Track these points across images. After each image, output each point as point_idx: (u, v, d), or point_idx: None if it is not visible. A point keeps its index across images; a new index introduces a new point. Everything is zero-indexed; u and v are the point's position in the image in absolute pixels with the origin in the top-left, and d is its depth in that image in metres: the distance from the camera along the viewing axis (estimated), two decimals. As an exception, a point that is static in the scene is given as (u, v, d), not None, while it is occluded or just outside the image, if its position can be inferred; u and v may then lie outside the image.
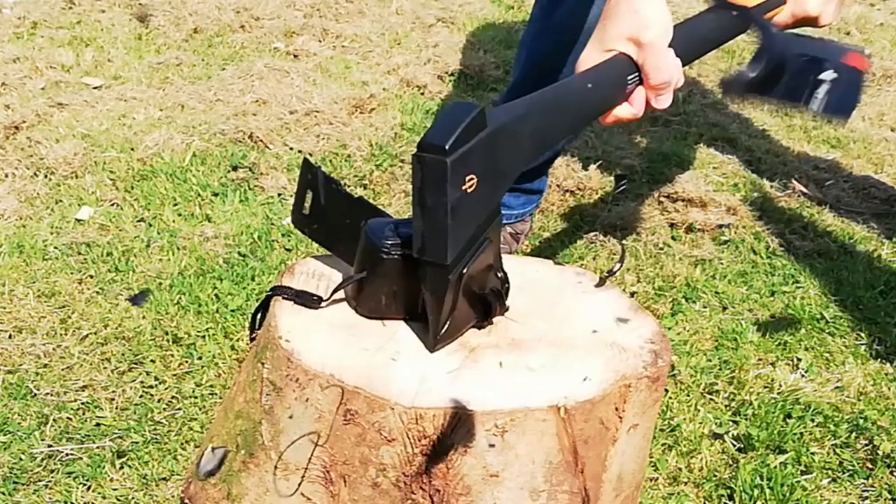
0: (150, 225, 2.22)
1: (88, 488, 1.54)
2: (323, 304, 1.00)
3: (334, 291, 1.00)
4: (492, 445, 0.86)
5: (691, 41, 1.18)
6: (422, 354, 0.94)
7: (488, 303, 0.99)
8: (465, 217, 0.91)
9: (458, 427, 0.85)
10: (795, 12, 1.31)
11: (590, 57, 1.10)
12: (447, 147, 0.86)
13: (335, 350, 0.92)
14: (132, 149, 2.51)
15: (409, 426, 0.86)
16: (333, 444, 0.89)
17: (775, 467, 1.61)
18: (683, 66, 1.12)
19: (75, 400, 1.71)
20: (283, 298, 1.00)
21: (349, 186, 2.42)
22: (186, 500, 1.03)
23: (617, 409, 0.92)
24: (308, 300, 1.00)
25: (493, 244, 0.97)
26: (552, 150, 2.03)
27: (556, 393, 0.88)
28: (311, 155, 2.54)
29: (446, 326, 0.94)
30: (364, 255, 0.98)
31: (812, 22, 1.34)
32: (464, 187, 0.89)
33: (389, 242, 0.95)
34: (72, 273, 2.03)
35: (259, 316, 1.05)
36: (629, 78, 1.09)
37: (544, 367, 0.93)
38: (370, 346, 0.94)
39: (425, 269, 0.92)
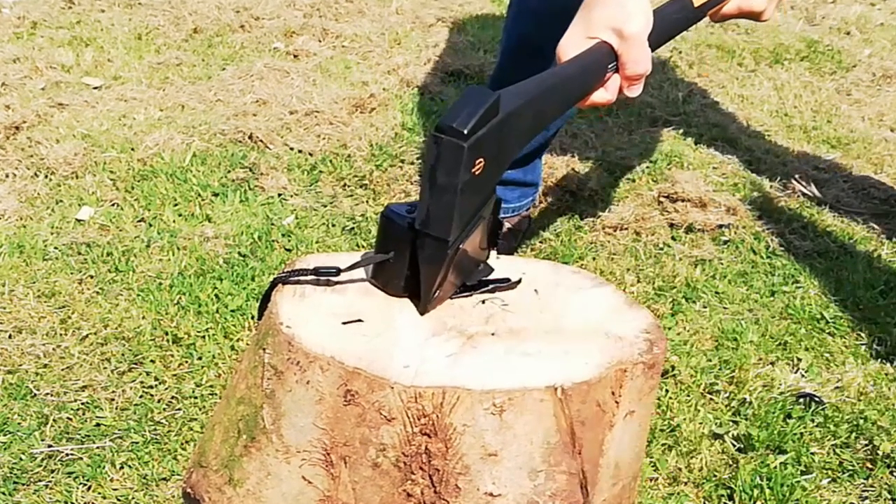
0: (151, 225, 2.23)
1: (88, 488, 1.54)
2: (341, 274, 1.02)
3: (352, 266, 1.02)
4: (492, 414, 0.87)
5: (661, 32, 1.23)
6: (420, 341, 0.96)
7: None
8: (470, 197, 0.96)
9: (457, 406, 0.87)
10: (742, 5, 1.37)
11: (572, 41, 1.14)
12: (466, 131, 0.91)
13: (335, 335, 0.94)
14: (132, 149, 2.51)
15: (409, 405, 0.88)
16: (334, 426, 0.90)
17: (775, 467, 1.61)
18: (652, 52, 1.17)
19: (75, 400, 1.71)
20: (296, 280, 1.02)
21: (349, 187, 2.43)
22: (188, 490, 1.04)
23: (613, 392, 0.94)
24: (326, 273, 1.02)
25: (484, 220, 1.03)
26: (542, 137, 2.05)
27: (553, 374, 0.91)
28: (311, 155, 2.54)
29: (436, 293, 0.99)
30: (387, 236, 1.01)
31: (756, 16, 1.40)
32: (473, 170, 0.94)
33: (413, 216, 0.99)
34: (72, 273, 2.04)
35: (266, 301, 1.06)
36: (609, 66, 1.14)
37: (541, 352, 0.95)
38: (369, 333, 0.96)
39: (424, 240, 0.97)
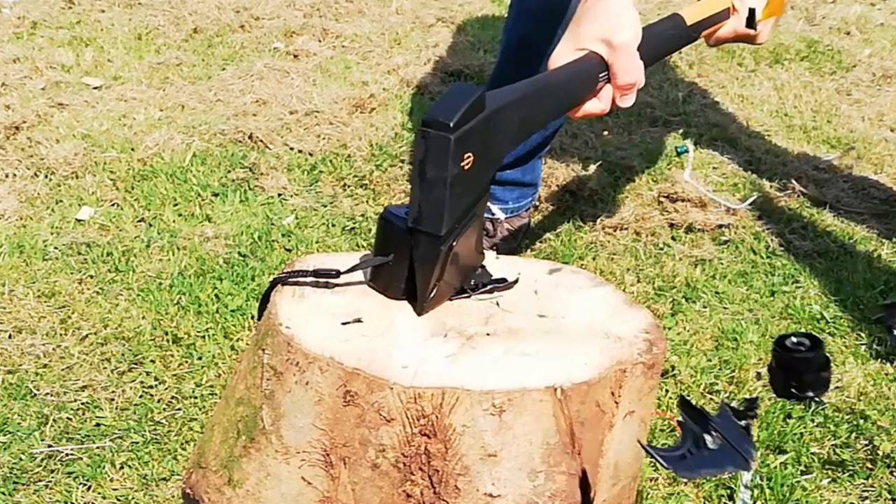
0: (151, 225, 2.23)
1: (88, 488, 1.54)
2: (342, 275, 1.02)
3: (352, 269, 1.02)
4: (492, 415, 0.87)
5: (653, 47, 1.25)
6: (420, 341, 0.96)
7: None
8: (460, 192, 0.97)
9: (456, 406, 0.87)
10: (737, 29, 1.39)
11: (563, 53, 1.16)
12: (452, 124, 0.92)
13: (334, 336, 0.94)
14: (132, 149, 2.51)
15: (408, 406, 0.88)
16: (333, 427, 0.90)
17: (775, 467, 1.61)
18: (645, 68, 1.18)
19: (75, 400, 1.71)
20: (295, 281, 1.02)
21: (349, 187, 2.43)
22: (188, 490, 1.04)
23: (613, 393, 0.94)
24: (326, 275, 1.02)
25: (478, 219, 1.03)
26: (540, 137, 2.05)
27: (552, 375, 0.91)
28: (311, 155, 2.54)
29: (433, 293, 0.99)
30: (386, 238, 1.01)
31: (751, 40, 1.42)
32: (462, 164, 0.95)
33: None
34: (72, 273, 2.04)
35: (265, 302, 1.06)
36: (600, 76, 1.16)
37: (540, 353, 0.95)
38: (369, 333, 0.96)
39: (418, 238, 0.97)
